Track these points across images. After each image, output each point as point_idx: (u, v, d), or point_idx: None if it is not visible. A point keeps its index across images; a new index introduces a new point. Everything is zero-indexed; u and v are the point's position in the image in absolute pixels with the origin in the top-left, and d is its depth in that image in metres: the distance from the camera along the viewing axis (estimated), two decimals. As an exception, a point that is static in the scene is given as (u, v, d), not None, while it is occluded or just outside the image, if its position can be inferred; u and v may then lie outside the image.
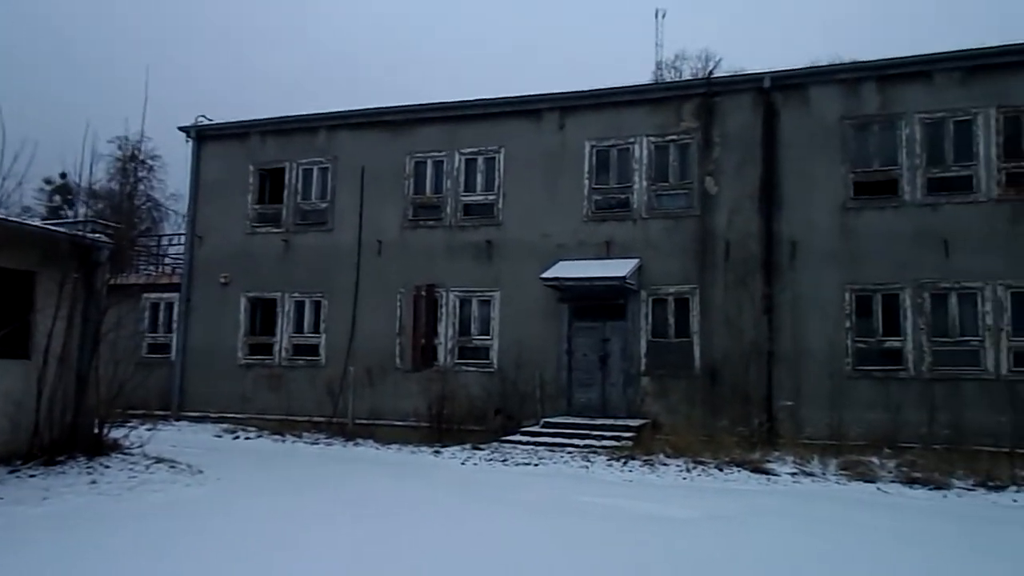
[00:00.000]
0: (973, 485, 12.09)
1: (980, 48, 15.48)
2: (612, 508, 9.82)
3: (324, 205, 20.04)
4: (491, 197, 18.54)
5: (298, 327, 19.84)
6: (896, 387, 15.04)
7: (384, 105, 19.76)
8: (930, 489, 11.95)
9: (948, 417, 14.42)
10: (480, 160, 18.70)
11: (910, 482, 12.32)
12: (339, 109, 20.19)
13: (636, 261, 16.87)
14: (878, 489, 12.00)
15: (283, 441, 16.85)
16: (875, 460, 13.43)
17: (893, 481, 12.45)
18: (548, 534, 8.20)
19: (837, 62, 19.07)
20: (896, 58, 16.01)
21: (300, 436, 17.22)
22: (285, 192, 20.45)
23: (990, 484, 12.05)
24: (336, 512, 9.18)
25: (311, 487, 11.12)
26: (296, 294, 19.85)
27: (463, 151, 18.80)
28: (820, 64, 18.87)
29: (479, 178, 18.69)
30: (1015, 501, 11.23)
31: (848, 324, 15.61)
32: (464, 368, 18.02)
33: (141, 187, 41.96)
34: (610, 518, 9.12)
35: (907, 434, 14.33)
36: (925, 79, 15.74)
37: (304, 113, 20.63)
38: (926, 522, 9.43)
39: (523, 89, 19.08)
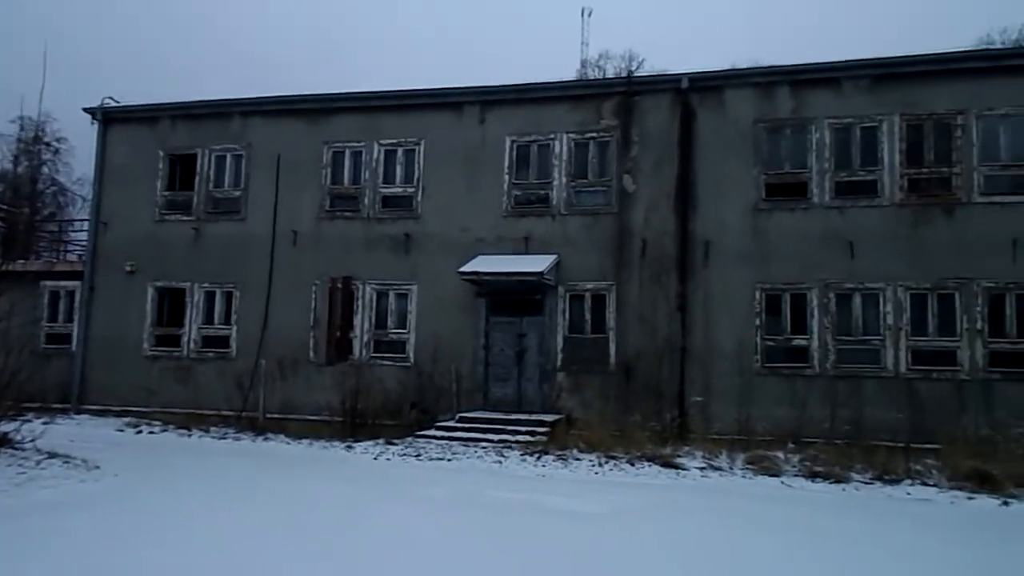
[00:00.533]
0: (871, 479, 12.53)
1: (886, 57, 16.06)
2: (523, 503, 9.80)
3: (237, 193, 19.43)
4: (410, 189, 18.30)
5: (208, 318, 19.20)
6: (802, 384, 15.49)
7: (301, 93, 19.33)
8: (831, 483, 12.33)
9: (849, 413, 14.93)
10: (400, 152, 18.43)
11: (812, 476, 12.70)
12: (253, 95, 19.64)
13: (554, 257, 16.92)
14: (782, 483, 12.33)
15: (189, 436, 16.27)
16: (780, 455, 13.80)
17: (796, 475, 12.82)
18: (454, 529, 8.11)
19: (753, 66, 19.47)
20: (808, 64, 16.47)
21: (208, 431, 16.66)
22: (196, 179, 19.75)
23: (886, 478, 12.51)
24: (241, 508, 8.89)
25: (217, 483, 10.75)
26: (206, 284, 19.20)
27: (382, 142, 18.50)
28: (737, 67, 19.27)
29: (398, 170, 18.43)
30: (908, 494, 11.68)
31: (758, 322, 16.00)
32: (380, 362, 17.76)
33: (45, 170, 39.97)
34: (519, 513, 9.10)
35: (811, 430, 14.77)
36: (834, 85, 16.24)
37: (216, 98, 19.97)
38: (825, 515, 9.73)
39: (446, 82, 18.79)
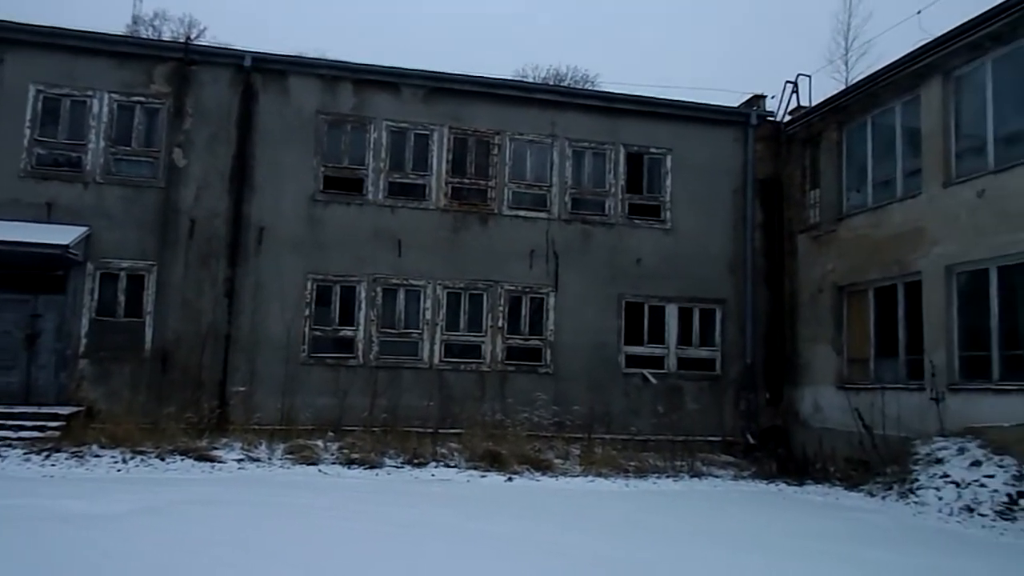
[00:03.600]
0: (402, 463, 13.37)
1: (439, 72, 17.26)
2: (19, 508, 8.36)
3: None
4: None
5: None
6: (345, 374, 15.89)
7: None
8: (366, 468, 12.87)
9: (388, 402, 15.72)
10: None
11: (349, 463, 13.12)
12: None
13: (84, 229, 14.95)
14: (320, 471, 12.50)
15: None
16: (320, 443, 14.04)
17: (335, 463, 13.13)
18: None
19: (319, 57, 19.44)
20: (371, 65, 16.97)
21: None
22: None
23: (416, 461, 13.47)
24: None
25: None
26: None
27: None
28: (303, 55, 19.05)
29: None
30: (433, 475, 12.71)
31: (308, 312, 16.02)
32: None
33: None
34: (12, 521, 7.72)
35: (352, 418, 15.23)
36: (394, 90, 17.00)
37: None
38: (353, 499, 10.04)
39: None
